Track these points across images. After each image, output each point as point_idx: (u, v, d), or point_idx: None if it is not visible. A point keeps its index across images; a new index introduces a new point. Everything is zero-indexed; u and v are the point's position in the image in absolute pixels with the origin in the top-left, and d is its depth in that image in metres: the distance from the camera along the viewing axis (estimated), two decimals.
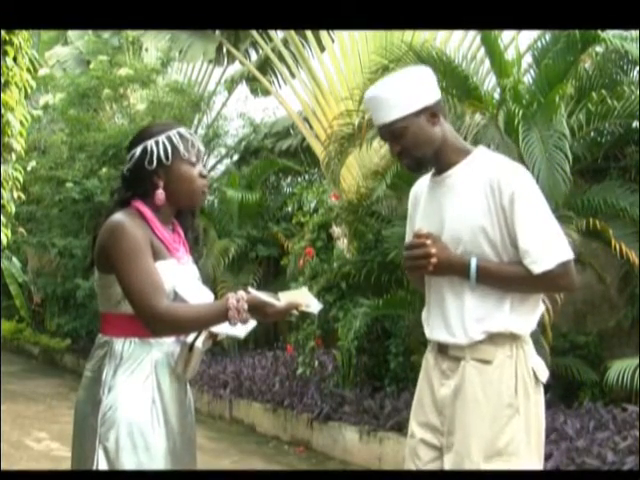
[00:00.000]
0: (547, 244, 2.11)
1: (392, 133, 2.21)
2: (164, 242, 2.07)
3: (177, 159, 2.08)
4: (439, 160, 2.24)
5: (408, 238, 2.35)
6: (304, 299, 2.00)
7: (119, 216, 2.02)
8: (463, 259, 2.15)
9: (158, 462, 1.98)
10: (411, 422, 2.32)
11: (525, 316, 2.17)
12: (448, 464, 2.16)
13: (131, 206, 2.08)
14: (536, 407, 2.17)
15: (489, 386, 2.13)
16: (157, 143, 2.07)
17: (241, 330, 2.04)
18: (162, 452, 2.00)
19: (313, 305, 2.02)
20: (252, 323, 2.07)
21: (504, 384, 2.12)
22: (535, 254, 2.10)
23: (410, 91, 2.17)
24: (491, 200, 2.13)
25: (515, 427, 2.11)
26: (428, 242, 2.17)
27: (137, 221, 2.03)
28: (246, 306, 1.91)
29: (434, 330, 2.26)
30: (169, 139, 2.09)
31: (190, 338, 2.04)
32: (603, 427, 4.30)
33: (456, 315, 2.18)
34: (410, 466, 2.29)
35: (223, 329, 2.04)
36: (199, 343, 2.03)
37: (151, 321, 1.94)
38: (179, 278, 2.04)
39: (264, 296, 1.96)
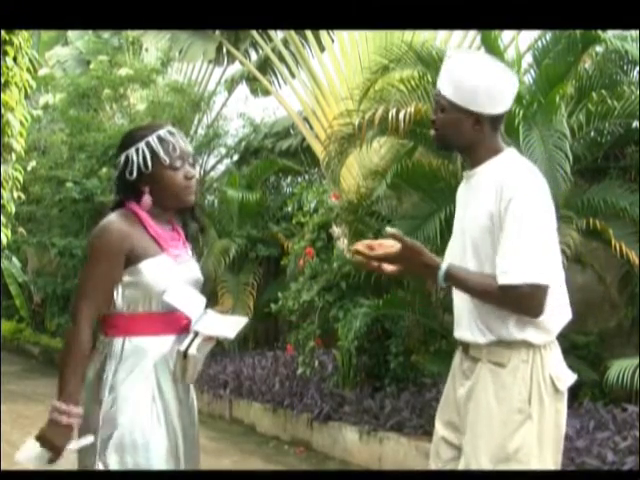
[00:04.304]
0: (521, 259, 2.03)
1: (437, 102, 2.24)
2: (157, 239, 2.07)
3: (158, 165, 2.08)
4: (469, 155, 2.25)
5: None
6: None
7: (109, 217, 2.07)
8: (435, 262, 2.14)
9: (159, 461, 1.99)
10: (436, 419, 2.33)
11: (537, 324, 2.11)
12: (460, 465, 2.15)
13: (125, 207, 2.11)
14: (554, 416, 2.12)
15: (501, 390, 2.10)
16: (137, 151, 2.08)
17: (230, 331, 2.05)
18: (163, 451, 2.00)
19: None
20: (242, 322, 2.08)
21: (516, 389, 2.09)
22: (506, 265, 2.05)
23: (475, 90, 2.14)
24: (494, 204, 2.11)
25: (526, 434, 2.07)
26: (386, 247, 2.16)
27: (128, 220, 2.06)
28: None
29: (457, 328, 2.27)
30: (148, 145, 2.08)
31: (184, 345, 2.02)
32: (603, 427, 4.30)
33: (474, 314, 2.18)
34: (431, 464, 2.30)
35: (212, 331, 2.04)
36: (193, 350, 2.01)
37: (71, 318, 2.00)
38: (169, 279, 2.04)
39: None
